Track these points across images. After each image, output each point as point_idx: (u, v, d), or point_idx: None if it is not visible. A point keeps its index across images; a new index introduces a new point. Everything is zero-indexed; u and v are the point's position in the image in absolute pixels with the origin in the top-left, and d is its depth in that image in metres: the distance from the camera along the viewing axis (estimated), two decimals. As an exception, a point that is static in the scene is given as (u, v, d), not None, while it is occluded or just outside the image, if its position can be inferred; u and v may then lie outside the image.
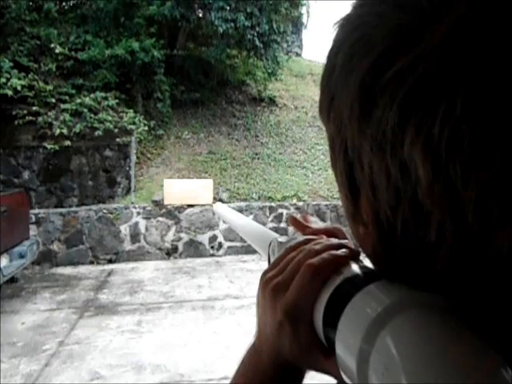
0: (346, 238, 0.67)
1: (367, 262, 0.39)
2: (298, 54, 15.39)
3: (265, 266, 0.64)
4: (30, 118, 8.26)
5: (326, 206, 8.70)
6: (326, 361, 0.37)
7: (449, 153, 0.26)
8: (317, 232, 0.64)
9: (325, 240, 0.46)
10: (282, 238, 0.60)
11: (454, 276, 0.29)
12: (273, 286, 0.42)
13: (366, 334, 0.28)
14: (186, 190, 8.05)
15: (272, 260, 0.60)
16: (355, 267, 0.38)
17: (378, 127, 0.30)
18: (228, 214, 1.18)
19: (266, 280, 0.44)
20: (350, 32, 0.34)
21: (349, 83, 0.32)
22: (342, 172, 0.36)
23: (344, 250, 0.41)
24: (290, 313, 0.39)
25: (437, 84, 0.26)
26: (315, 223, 0.69)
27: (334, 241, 0.45)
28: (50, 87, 8.70)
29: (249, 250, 7.86)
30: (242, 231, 0.97)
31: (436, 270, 0.30)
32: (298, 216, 0.69)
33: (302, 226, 0.63)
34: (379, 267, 0.36)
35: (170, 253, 8.07)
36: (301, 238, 0.50)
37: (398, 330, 0.27)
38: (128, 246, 7.91)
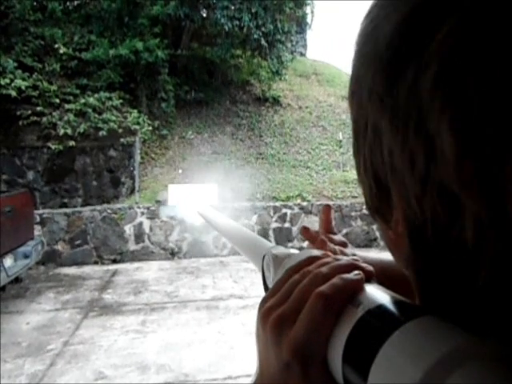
0: (346, 245, 0.66)
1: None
2: (302, 54, 15.35)
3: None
4: (35, 118, 8.29)
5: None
6: None
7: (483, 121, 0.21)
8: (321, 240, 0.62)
9: (331, 258, 0.39)
10: (277, 250, 0.52)
11: (502, 297, 0.23)
12: (275, 319, 0.35)
13: None
14: (190, 194, 8.05)
15: (267, 275, 0.54)
16: (376, 294, 0.32)
17: (402, 98, 0.25)
18: (215, 219, 1.00)
19: (266, 310, 0.37)
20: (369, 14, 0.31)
21: (370, 55, 0.29)
22: (365, 159, 0.32)
23: (356, 271, 0.35)
24: (300, 352, 0.32)
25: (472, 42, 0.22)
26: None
27: (343, 259, 0.38)
28: (54, 87, 8.73)
29: (253, 250, 7.83)
30: (232, 239, 0.84)
31: (478, 284, 0.24)
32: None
33: (313, 237, 0.63)
34: (412, 275, 0.32)
35: (175, 253, 8.07)
36: (302, 254, 0.44)
37: None
38: (132, 246, 7.92)
